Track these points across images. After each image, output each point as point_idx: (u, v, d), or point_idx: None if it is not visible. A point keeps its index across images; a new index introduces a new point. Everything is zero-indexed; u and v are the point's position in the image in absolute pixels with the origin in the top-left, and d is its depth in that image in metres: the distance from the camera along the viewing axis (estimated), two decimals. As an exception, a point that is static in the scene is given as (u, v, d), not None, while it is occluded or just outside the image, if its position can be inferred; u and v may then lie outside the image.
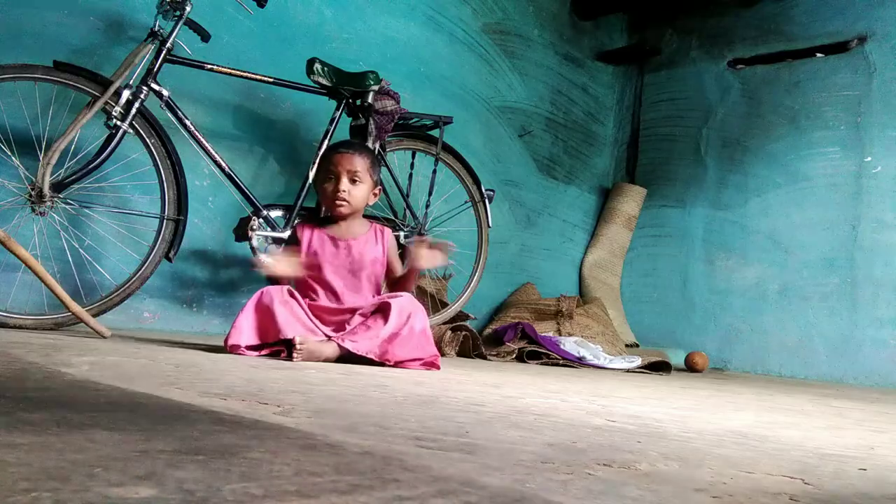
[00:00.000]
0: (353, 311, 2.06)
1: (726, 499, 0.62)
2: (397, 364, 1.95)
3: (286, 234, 2.67)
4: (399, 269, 2.24)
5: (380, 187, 2.23)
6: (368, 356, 1.91)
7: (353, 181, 2.11)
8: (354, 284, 2.13)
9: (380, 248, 2.18)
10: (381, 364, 1.94)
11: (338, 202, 2.11)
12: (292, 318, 1.92)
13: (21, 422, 0.66)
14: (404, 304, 2.02)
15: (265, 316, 1.91)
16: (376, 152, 2.84)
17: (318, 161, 2.16)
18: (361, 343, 1.91)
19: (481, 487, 0.57)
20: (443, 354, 2.89)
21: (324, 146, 2.77)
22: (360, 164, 2.12)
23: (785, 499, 0.64)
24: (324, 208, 2.20)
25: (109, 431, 0.66)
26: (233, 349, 1.87)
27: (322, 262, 2.12)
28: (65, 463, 0.52)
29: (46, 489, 0.44)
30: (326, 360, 1.88)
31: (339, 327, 2.02)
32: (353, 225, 2.18)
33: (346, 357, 1.91)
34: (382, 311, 1.99)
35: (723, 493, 0.64)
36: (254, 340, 1.90)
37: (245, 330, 1.90)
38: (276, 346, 1.90)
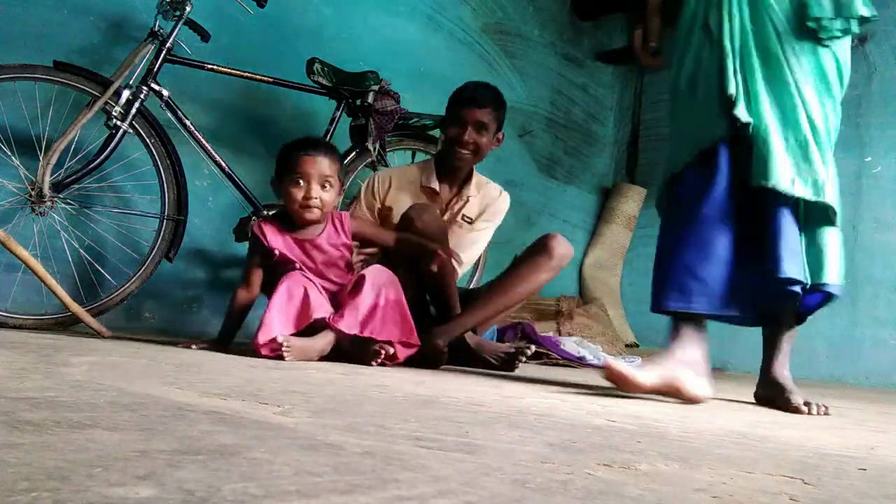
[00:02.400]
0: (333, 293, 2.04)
1: (726, 499, 0.62)
2: (378, 343, 1.92)
3: None
4: (385, 238, 2.21)
5: (345, 188, 2.22)
6: (352, 333, 1.89)
7: (323, 186, 2.01)
8: (328, 277, 2.08)
9: (343, 237, 2.10)
10: (370, 342, 1.92)
11: (309, 209, 2.00)
12: (321, 298, 1.92)
13: (21, 422, 0.66)
14: (375, 274, 1.99)
15: (299, 302, 1.88)
16: (376, 152, 2.85)
17: (280, 160, 2.05)
18: (346, 320, 1.89)
19: (481, 487, 0.57)
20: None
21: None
22: (329, 167, 2.02)
23: (785, 499, 0.64)
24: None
25: (109, 431, 0.66)
26: (265, 346, 1.79)
27: (296, 260, 2.04)
28: (65, 463, 0.52)
29: (46, 489, 0.44)
30: (321, 355, 1.87)
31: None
32: (316, 225, 2.09)
33: (339, 355, 1.92)
34: (358, 284, 1.97)
35: (723, 493, 0.64)
36: (290, 330, 1.86)
37: (276, 323, 1.84)
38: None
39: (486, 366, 2.29)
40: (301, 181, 1.99)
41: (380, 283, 1.98)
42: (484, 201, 2.64)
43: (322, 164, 2.00)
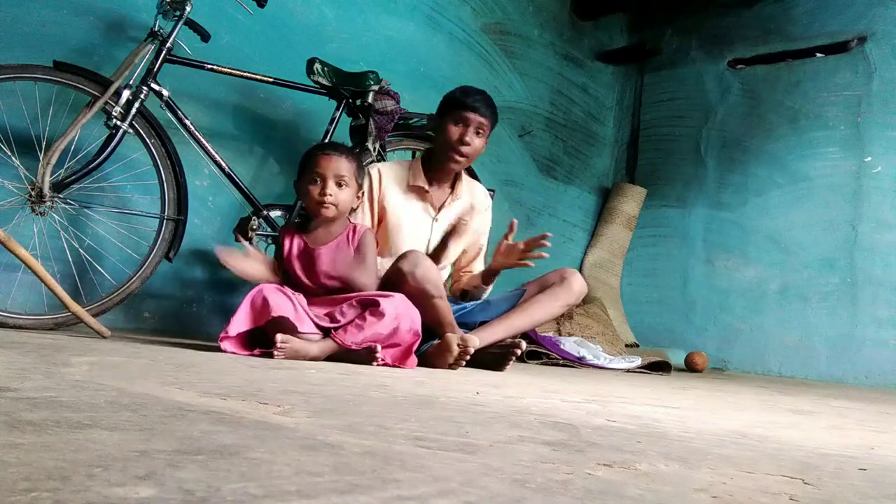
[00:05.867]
0: (341, 300, 2.04)
1: (726, 499, 0.62)
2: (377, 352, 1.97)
3: None
4: (368, 278, 2.14)
5: (363, 191, 2.22)
6: (363, 346, 1.93)
7: (339, 185, 2.06)
8: (334, 286, 2.11)
9: (350, 250, 2.12)
10: (371, 349, 1.95)
11: (324, 206, 2.05)
12: (285, 299, 1.92)
13: (21, 422, 0.66)
14: (398, 305, 2.00)
15: (260, 303, 1.91)
16: (376, 152, 2.84)
17: (301, 162, 2.14)
18: (351, 335, 1.94)
19: (481, 487, 0.57)
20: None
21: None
22: (346, 167, 2.08)
23: (785, 499, 0.64)
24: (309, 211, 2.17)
25: (109, 431, 0.66)
26: (222, 339, 1.86)
27: (297, 270, 2.10)
28: (65, 463, 0.52)
29: (46, 489, 0.44)
30: (313, 359, 1.88)
31: (330, 316, 2.01)
32: (332, 228, 2.14)
33: (334, 354, 1.94)
34: (375, 309, 1.97)
35: (723, 493, 0.64)
36: (246, 325, 1.88)
37: (237, 321, 1.88)
38: (264, 347, 1.90)
39: (477, 364, 2.29)
40: (317, 179, 2.07)
41: (399, 313, 1.99)
42: (473, 199, 2.69)
43: (338, 163, 2.08)
